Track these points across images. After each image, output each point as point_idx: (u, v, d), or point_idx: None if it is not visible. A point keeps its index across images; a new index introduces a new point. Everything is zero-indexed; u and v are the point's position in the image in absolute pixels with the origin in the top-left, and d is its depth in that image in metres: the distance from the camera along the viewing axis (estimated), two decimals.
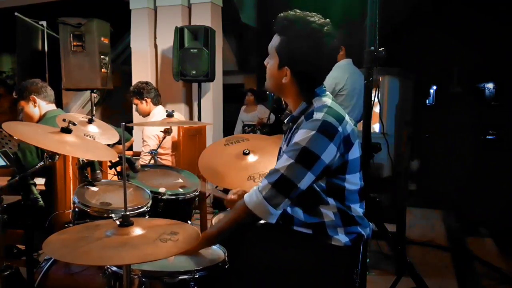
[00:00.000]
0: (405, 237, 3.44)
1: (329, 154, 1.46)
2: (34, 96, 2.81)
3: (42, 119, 2.81)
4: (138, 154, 3.81)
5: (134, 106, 3.90)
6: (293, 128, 1.58)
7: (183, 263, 1.61)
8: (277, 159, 1.74)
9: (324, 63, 1.59)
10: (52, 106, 2.89)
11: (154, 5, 5.31)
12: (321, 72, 1.61)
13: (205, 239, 1.58)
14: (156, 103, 3.78)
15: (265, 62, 1.65)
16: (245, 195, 1.55)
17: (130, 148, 4.28)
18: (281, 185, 1.47)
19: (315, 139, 1.44)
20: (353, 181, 1.56)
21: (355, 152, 1.54)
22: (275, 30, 1.60)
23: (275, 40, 1.59)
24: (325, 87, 1.63)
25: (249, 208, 1.50)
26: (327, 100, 1.57)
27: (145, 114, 3.81)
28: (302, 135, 1.46)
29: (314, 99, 1.57)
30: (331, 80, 3.15)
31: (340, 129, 1.48)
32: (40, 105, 2.83)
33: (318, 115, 1.49)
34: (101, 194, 2.18)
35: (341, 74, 3.23)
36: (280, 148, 1.72)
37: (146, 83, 3.81)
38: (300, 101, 1.60)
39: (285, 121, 1.66)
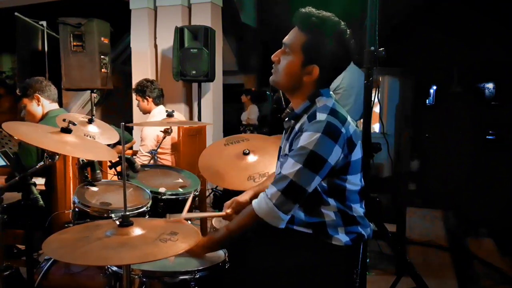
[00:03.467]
0: (405, 237, 3.44)
1: (335, 155, 1.46)
2: (38, 95, 2.79)
3: (44, 118, 2.80)
4: (136, 153, 3.81)
5: (136, 102, 3.91)
6: (295, 126, 1.58)
7: (183, 263, 1.61)
8: (278, 158, 1.74)
9: (345, 65, 1.59)
10: (55, 105, 2.88)
11: (154, 5, 5.31)
12: (340, 73, 1.62)
13: (212, 244, 1.59)
14: (157, 103, 3.78)
15: (276, 57, 1.58)
16: (253, 202, 1.54)
17: (131, 147, 4.27)
18: (291, 191, 1.46)
19: (321, 142, 1.43)
20: (354, 182, 1.56)
21: (357, 153, 1.54)
22: (299, 27, 1.53)
23: (299, 36, 1.53)
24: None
25: (259, 215, 1.50)
26: (330, 100, 1.57)
27: (145, 112, 3.82)
28: (307, 138, 1.45)
29: (317, 98, 1.56)
30: None
31: (343, 130, 1.47)
32: (43, 104, 2.81)
33: (321, 116, 1.48)
34: (101, 194, 2.18)
35: None
36: (280, 147, 1.71)
37: (151, 82, 3.80)
38: (305, 99, 1.58)
39: (286, 119, 1.65)
